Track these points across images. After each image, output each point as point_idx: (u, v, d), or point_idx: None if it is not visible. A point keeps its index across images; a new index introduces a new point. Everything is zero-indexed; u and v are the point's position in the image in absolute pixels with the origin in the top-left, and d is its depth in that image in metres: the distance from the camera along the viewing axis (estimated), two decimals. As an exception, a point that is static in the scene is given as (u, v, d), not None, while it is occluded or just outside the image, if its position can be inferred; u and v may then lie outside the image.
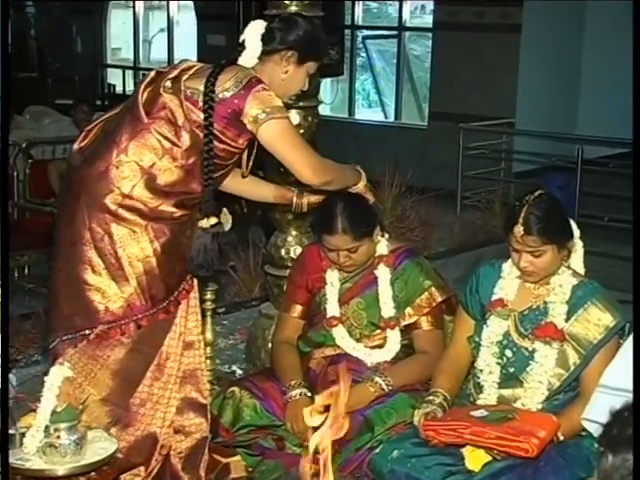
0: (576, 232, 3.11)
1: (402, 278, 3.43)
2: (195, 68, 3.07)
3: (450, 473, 2.79)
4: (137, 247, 2.94)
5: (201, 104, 2.94)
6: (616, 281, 3.79)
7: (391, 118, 12.09)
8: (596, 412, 2.68)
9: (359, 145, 10.78)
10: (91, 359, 2.96)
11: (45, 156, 7.97)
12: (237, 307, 5.53)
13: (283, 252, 4.30)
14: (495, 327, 3.06)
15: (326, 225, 3.34)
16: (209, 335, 3.92)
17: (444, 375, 3.13)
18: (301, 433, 3.23)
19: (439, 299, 3.43)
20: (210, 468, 3.28)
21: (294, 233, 4.30)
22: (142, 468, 3.07)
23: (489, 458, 2.80)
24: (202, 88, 2.95)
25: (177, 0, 14.34)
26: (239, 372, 4.52)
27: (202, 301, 3.90)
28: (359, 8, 12.23)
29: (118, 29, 15.41)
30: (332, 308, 3.46)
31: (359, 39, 12.36)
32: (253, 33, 3.11)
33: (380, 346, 3.43)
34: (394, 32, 11.89)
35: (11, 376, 4.09)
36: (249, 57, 3.09)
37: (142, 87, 3.05)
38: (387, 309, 3.41)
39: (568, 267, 3.07)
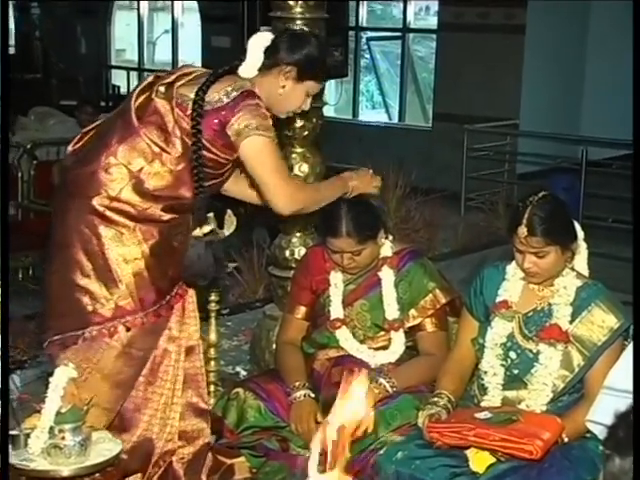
0: (580, 233, 3.11)
1: (406, 280, 3.43)
2: (193, 74, 3.06)
3: (454, 475, 2.79)
4: (125, 249, 2.93)
5: (190, 112, 2.93)
6: (619, 282, 3.78)
7: (395, 119, 12.10)
8: (601, 414, 2.68)
9: (363, 146, 10.78)
10: (82, 362, 2.93)
11: (50, 157, 7.98)
12: (241, 308, 5.53)
13: (287, 253, 4.30)
14: (499, 329, 3.06)
15: (331, 227, 3.34)
16: (213, 336, 3.92)
17: (448, 377, 3.13)
18: (305, 434, 3.23)
19: (443, 301, 3.42)
20: (214, 469, 3.29)
21: (298, 234, 4.30)
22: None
23: (493, 460, 2.79)
24: (193, 96, 2.94)
25: (181, 1, 14.35)
26: (243, 373, 4.52)
27: (206, 302, 3.90)
28: (363, 9, 12.23)
29: (122, 30, 15.43)
30: (336, 310, 3.46)
31: (363, 40, 12.37)
32: (257, 44, 3.10)
33: (384, 348, 3.43)
34: (398, 33, 11.90)
35: (15, 377, 4.10)
36: (249, 67, 3.08)
37: (137, 91, 3.05)
38: (391, 311, 3.41)
39: (572, 269, 3.07)
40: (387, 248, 3.46)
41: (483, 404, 3.05)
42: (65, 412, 2.59)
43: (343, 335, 3.44)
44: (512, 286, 3.09)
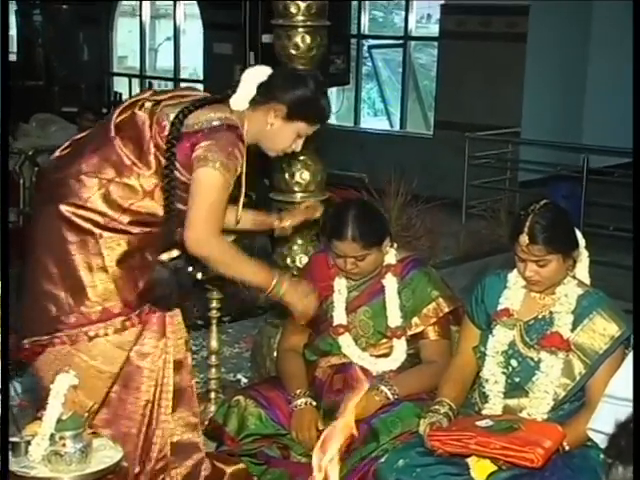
0: (581, 241, 3.11)
1: (409, 287, 3.44)
2: (188, 97, 3.04)
3: (455, 483, 2.80)
4: (90, 257, 2.90)
5: (167, 132, 2.90)
6: (620, 290, 3.78)
7: (397, 127, 12.10)
8: (602, 422, 2.68)
9: (364, 154, 10.78)
10: (51, 369, 2.90)
11: (51, 164, 7.98)
12: (242, 315, 5.53)
13: (289, 260, 4.31)
14: (501, 337, 3.06)
15: (336, 231, 3.34)
16: (214, 343, 3.93)
17: (450, 384, 3.13)
18: (306, 442, 3.23)
19: (446, 309, 3.43)
20: (213, 478, 3.28)
21: (299, 242, 4.30)
22: None
23: (495, 468, 2.79)
24: (172, 117, 2.91)
25: (184, 5, 14.37)
26: (244, 380, 4.52)
27: (208, 309, 3.91)
28: (365, 17, 12.24)
29: (124, 37, 15.45)
30: (339, 316, 3.46)
31: (365, 48, 12.37)
32: (251, 78, 3.05)
33: (386, 355, 3.43)
34: (400, 41, 11.90)
35: (16, 384, 4.09)
36: (241, 100, 3.02)
37: (127, 103, 3.04)
38: (394, 318, 3.41)
39: (573, 277, 3.07)
40: (391, 256, 3.46)
41: (484, 412, 3.05)
42: (66, 419, 2.59)
43: (345, 342, 3.44)
44: (513, 294, 3.09)
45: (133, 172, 2.92)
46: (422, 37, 12.01)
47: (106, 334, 2.93)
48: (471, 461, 2.83)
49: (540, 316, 3.06)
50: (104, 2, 14.66)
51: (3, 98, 3.21)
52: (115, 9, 15.10)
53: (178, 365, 3.10)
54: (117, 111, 3.01)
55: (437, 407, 3.03)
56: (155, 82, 14.59)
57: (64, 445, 2.56)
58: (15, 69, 12.02)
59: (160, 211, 2.94)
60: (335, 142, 7.60)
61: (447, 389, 3.11)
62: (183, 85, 14.60)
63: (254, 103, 3.02)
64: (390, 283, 3.43)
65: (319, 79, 3.15)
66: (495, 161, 9.85)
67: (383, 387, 3.29)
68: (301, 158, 4.25)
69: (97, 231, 2.90)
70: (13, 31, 14.35)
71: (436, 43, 11.21)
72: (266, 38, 6.03)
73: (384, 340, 3.44)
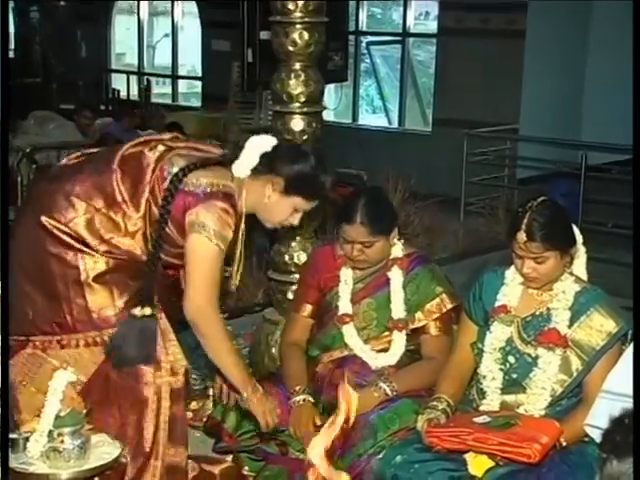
0: (579, 238, 3.12)
1: (414, 282, 3.45)
2: (201, 152, 3.05)
3: (453, 478, 2.80)
4: (66, 269, 2.90)
5: (167, 184, 2.91)
6: (618, 287, 3.78)
7: (395, 124, 12.10)
8: (599, 418, 2.68)
9: (363, 151, 10.78)
10: (21, 372, 2.90)
11: (50, 161, 7.97)
12: (240, 312, 5.52)
13: (287, 258, 4.31)
14: (498, 333, 3.07)
15: (346, 214, 3.36)
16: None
17: (448, 381, 3.13)
18: (304, 438, 3.23)
19: (449, 306, 3.44)
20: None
21: (298, 239, 4.30)
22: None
23: (492, 464, 2.80)
24: (175, 170, 2.92)
25: (182, 3, 14.36)
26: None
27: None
28: (363, 14, 12.24)
29: (122, 34, 15.45)
30: (344, 306, 3.48)
31: (363, 45, 12.38)
32: (255, 146, 3.06)
33: (386, 350, 3.44)
34: (398, 38, 11.91)
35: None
36: (242, 167, 3.03)
37: (144, 138, 3.07)
38: (397, 310, 3.43)
39: (571, 273, 3.08)
40: (398, 249, 3.48)
41: (482, 408, 3.05)
42: (64, 416, 2.59)
43: (349, 332, 3.46)
44: (511, 291, 3.10)
45: (121, 209, 2.94)
46: (421, 34, 12.02)
47: (77, 345, 2.93)
48: (469, 457, 2.84)
49: (537, 312, 3.06)
50: (102, -1, 14.67)
51: (3, 97, 3.21)
52: (113, 6, 15.11)
53: (175, 395, 3.02)
54: (130, 143, 3.03)
55: (435, 403, 3.03)
56: (153, 79, 14.58)
57: (62, 441, 2.57)
58: (13, 66, 11.99)
59: (138, 252, 2.96)
60: (333, 139, 7.60)
61: (445, 385, 3.11)
62: (180, 84, 14.61)
63: (255, 172, 3.02)
64: (396, 276, 3.45)
65: (321, 156, 3.15)
66: (493, 158, 9.86)
67: (382, 383, 3.30)
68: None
69: (77, 246, 2.91)
70: (10, 28, 14.33)
71: (435, 40, 11.22)
72: (264, 35, 6.00)
73: (386, 333, 3.45)
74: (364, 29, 12.29)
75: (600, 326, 2.96)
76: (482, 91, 10.23)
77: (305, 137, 4.21)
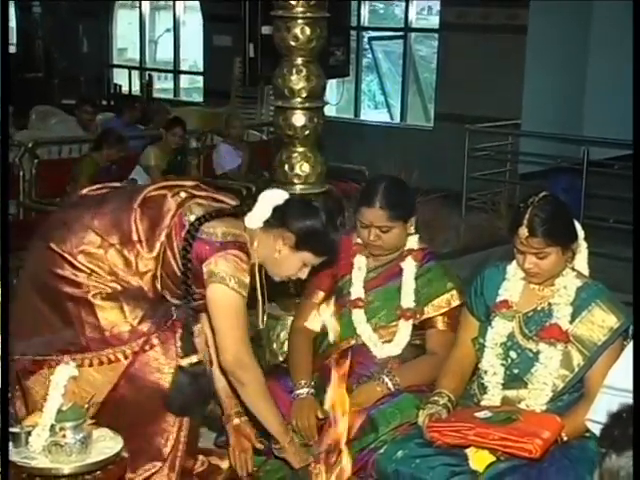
0: (580, 233, 3.12)
1: (426, 276, 3.48)
2: (220, 202, 3.09)
3: (454, 473, 2.80)
4: (77, 290, 2.95)
5: (183, 233, 2.95)
6: (620, 282, 3.78)
7: (397, 119, 12.10)
8: (600, 413, 2.68)
9: (364, 146, 10.78)
10: (41, 390, 2.92)
11: (51, 156, 7.98)
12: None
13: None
14: (500, 328, 3.07)
15: (366, 197, 3.40)
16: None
17: (449, 376, 3.14)
18: (305, 430, 3.24)
19: (458, 302, 3.45)
20: (210, 473, 3.30)
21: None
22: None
23: (493, 459, 2.80)
24: (192, 218, 2.96)
25: (183, 0, 14.35)
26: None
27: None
28: (365, 9, 12.23)
29: (124, 29, 15.44)
30: (357, 291, 3.50)
31: (365, 40, 12.36)
32: (268, 200, 3.09)
33: (390, 342, 3.45)
34: (400, 33, 11.90)
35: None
36: (255, 219, 3.06)
37: (170, 183, 3.12)
38: (407, 300, 3.45)
39: (572, 268, 3.08)
40: (413, 241, 3.52)
41: (483, 403, 3.06)
42: (66, 410, 2.60)
43: (359, 317, 3.48)
44: (513, 286, 3.10)
45: (135, 249, 2.98)
46: (422, 29, 12.01)
47: (91, 364, 2.96)
48: (470, 452, 2.84)
49: (539, 308, 3.06)
50: (104, -6, 14.66)
51: (4, 93, 3.22)
52: (114, 1, 15.08)
53: None
54: (154, 186, 3.09)
55: (436, 398, 3.04)
56: (155, 74, 14.58)
57: (64, 436, 2.57)
58: (15, 61, 12.02)
59: (145, 289, 3.00)
60: (335, 134, 7.60)
61: (446, 381, 3.12)
62: (182, 79, 14.60)
63: (267, 225, 3.06)
64: (409, 267, 3.48)
65: (332, 212, 3.20)
66: (495, 153, 9.86)
67: (385, 377, 3.31)
68: (301, 150, 4.25)
69: (86, 271, 2.97)
70: (12, 23, 14.35)
71: (436, 35, 11.21)
72: (265, 30, 6.00)
73: (393, 323, 3.46)
74: (366, 24, 12.28)
75: (601, 321, 2.97)
76: (484, 86, 10.22)
77: (307, 132, 4.21)
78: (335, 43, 8.20)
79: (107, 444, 2.69)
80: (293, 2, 4.09)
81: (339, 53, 8.84)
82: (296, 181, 4.29)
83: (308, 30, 4.11)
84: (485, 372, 3.07)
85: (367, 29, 12.30)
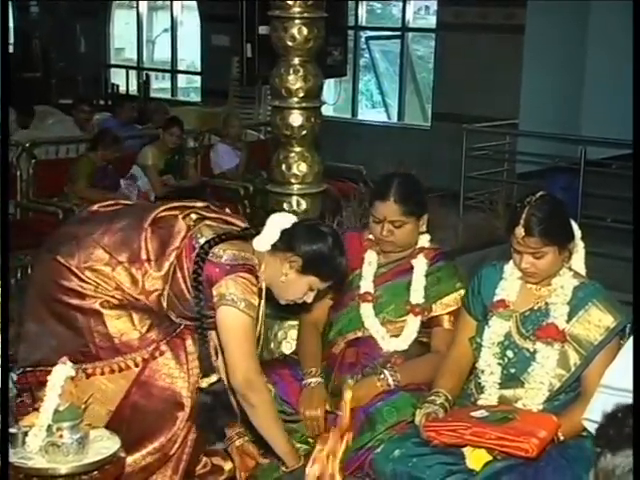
0: (577, 233, 3.12)
1: (436, 274, 3.51)
2: (230, 225, 3.10)
3: (451, 472, 2.80)
4: (84, 301, 2.97)
5: (194, 255, 2.96)
6: (617, 282, 3.79)
7: (394, 119, 12.10)
8: (597, 412, 2.68)
9: (362, 146, 10.78)
10: (33, 397, 2.98)
11: (49, 156, 7.98)
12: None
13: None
14: (497, 328, 3.07)
15: (380, 192, 3.44)
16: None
17: (446, 375, 3.14)
18: (312, 419, 3.25)
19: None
20: (213, 474, 3.32)
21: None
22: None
23: (490, 458, 2.80)
24: (202, 240, 2.97)
25: (181, 0, 14.35)
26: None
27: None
28: (362, 9, 12.23)
29: (122, 29, 15.42)
30: (367, 285, 3.53)
31: (362, 40, 12.36)
32: (276, 223, 3.10)
33: (398, 336, 3.48)
34: (397, 33, 11.90)
35: (13, 375, 4.10)
36: (263, 242, 3.07)
37: (180, 204, 3.12)
38: (416, 296, 3.48)
39: (569, 268, 3.08)
40: (425, 240, 3.56)
41: (480, 403, 3.06)
42: (63, 410, 2.59)
43: (367, 311, 3.50)
44: (510, 285, 3.10)
45: (143, 267, 2.98)
46: (420, 29, 12.00)
47: (102, 373, 2.99)
48: (467, 451, 2.84)
49: (536, 307, 3.07)
50: (101, -6, 14.65)
51: (4, 93, 3.22)
52: (112, 1, 15.08)
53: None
54: (166, 206, 3.09)
55: (433, 398, 3.04)
56: (152, 74, 14.57)
57: (61, 436, 2.57)
58: (12, 61, 11.99)
59: (150, 306, 3.01)
60: (332, 134, 7.60)
61: (443, 380, 3.12)
62: (179, 79, 14.60)
63: (274, 248, 3.07)
64: (420, 264, 3.51)
65: (339, 237, 3.18)
66: (493, 153, 9.86)
67: (386, 372, 3.32)
68: (298, 150, 4.26)
69: (93, 284, 2.98)
70: (10, 23, 14.31)
71: (434, 35, 11.20)
72: (263, 30, 6.01)
73: (401, 319, 3.49)
74: (363, 24, 12.28)
75: (598, 321, 2.97)
76: (481, 86, 10.22)
77: (304, 132, 4.21)
78: (332, 43, 8.21)
79: (104, 444, 2.69)
80: (290, 2, 4.09)
81: (336, 53, 8.85)
82: (293, 181, 4.30)
83: (305, 30, 4.11)
84: (482, 371, 3.08)
85: (364, 29, 12.30)
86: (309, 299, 3.15)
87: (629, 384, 2.41)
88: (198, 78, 13.99)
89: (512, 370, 3.04)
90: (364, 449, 3.15)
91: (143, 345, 3.01)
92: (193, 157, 8.40)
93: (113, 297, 2.98)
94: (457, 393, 3.12)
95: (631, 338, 2.73)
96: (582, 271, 3.15)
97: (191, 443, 3.11)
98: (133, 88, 14.27)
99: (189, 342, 3.10)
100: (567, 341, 2.98)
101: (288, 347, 4.05)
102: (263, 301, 3.08)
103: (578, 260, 3.16)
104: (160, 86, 14.89)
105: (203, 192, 7.47)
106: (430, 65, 11.54)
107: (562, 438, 2.87)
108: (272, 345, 4.15)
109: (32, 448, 2.59)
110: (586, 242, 3.19)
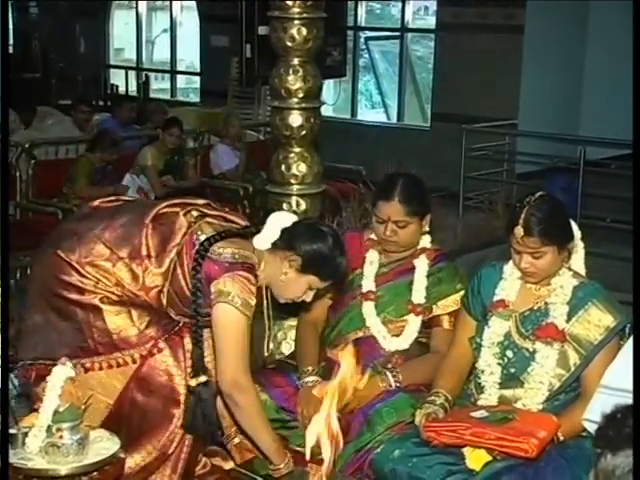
0: (577, 233, 3.12)
1: (437, 275, 3.51)
2: (230, 222, 3.10)
3: (451, 472, 2.80)
4: (84, 296, 2.96)
5: (194, 252, 2.95)
6: (617, 282, 3.79)
7: (394, 119, 12.10)
8: (597, 412, 2.68)
9: (362, 146, 10.78)
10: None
11: (48, 157, 7.98)
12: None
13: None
14: (496, 328, 3.07)
15: (384, 192, 3.44)
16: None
17: (446, 376, 3.14)
18: (310, 418, 3.25)
19: None
20: (213, 474, 3.32)
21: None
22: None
23: (490, 458, 2.81)
24: (203, 238, 2.97)
25: (180, 0, 14.35)
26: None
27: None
28: (362, 9, 12.24)
29: (121, 30, 15.43)
30: (369, 284, 3.53)
31: (362, 40, 12.37)
32: (277, 221, 3.09)
33: (399, 335, 3.48)
34: (397, 33, 11.90)
35: (13, 376, 4.10)
36: (263, 241, 3.06)
37: (181, 201, 3.11)
38: (418, 296, 3.48)
39: (569, 268, 3.08)
40: (427, 241, 3.56)
41: (480, 403, 3.06)
42: (63, 411, 2.59)
43: (369, 310, 3.50)
44: (509, 285, 3.10)
45: (143, 263, 2.97)
46: (419, 29, 12.01)
47: (100, 368, 2.98)
48: (466, 451, 2.84)
49: (535, 307, 3.07)
50: (100, -6, 14.65)
51: (4, 93, 3.22)
52: (111, 1, 15.08)
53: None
54: (167, 202, 3.09)
55: (433, 398, 3.04)
56: (152, 74, 14.57)
57: (61, 437, 2.56)
58: (12, 62, 11.99)
59: (150, 303, 3.00)
60: (332, 134, 7.60)
61: (443, 380, 3.12)
62: (179, 80, 14.60)
63: (274, 247, 3.06)
64: (422, 264, 3.51)
65: (339, 237, 3.17)
66: (492, 153, 9.86)
67: (388, 373, 3.33)
68: (297, 150, 4.26)
69: (92, 279, 2.97)
70: (10, 23, 14.31)
71: (433, 35, 11.21)
72: (262, 30, 6.02)
73: (402, 319, 3.49)
74: (362, 24, 12.28)
75: (598, 320, 2.97)
76: (481, 86, 10.23)
77: (303, 132, 4.21)
78: (332, 43, 8.22)
79: (104, 445, 2.68)
80: (290, 2, 4.09)
81: (336, 53, 8.86)
82: (293, 181, 4.30)
83: (305, 30, 4.12)
84: (482, 371, 3.08)
85: (364, 29, 12.31)
86: (308, 298, 3.14)
87: (629, 384, 2.41)
88: (197, 78, 13.99)
89: (512, 370, 3.04)
90: (363, 450, 3.14)
91: (141, 342, 3.00)
92: (193, 158, 8.41)
93: (113, 293, 2.98)
94: (457, 393, 3.13)
95: (631, 338, 2.73)
96: (582, 271, 3.15)
97: (189, 442, 3.11)
98: (132, 88, 14.27)
99: (187, 340, 3.09)
100: (567, 341, 2.98)
101: (287, 347, 4.05)
102: (268, 301, 3.09)
103: (578, 260, 3.16)
104: (159, 86, 14.90)
105: (203, 193, 7.47)
106: (429, 65, 11.55)
107: (562, 438, 2.87)
108: (271, 345, 4.15)
109: (32, 449, 2.59)
110: (586, 242, 3.19)
